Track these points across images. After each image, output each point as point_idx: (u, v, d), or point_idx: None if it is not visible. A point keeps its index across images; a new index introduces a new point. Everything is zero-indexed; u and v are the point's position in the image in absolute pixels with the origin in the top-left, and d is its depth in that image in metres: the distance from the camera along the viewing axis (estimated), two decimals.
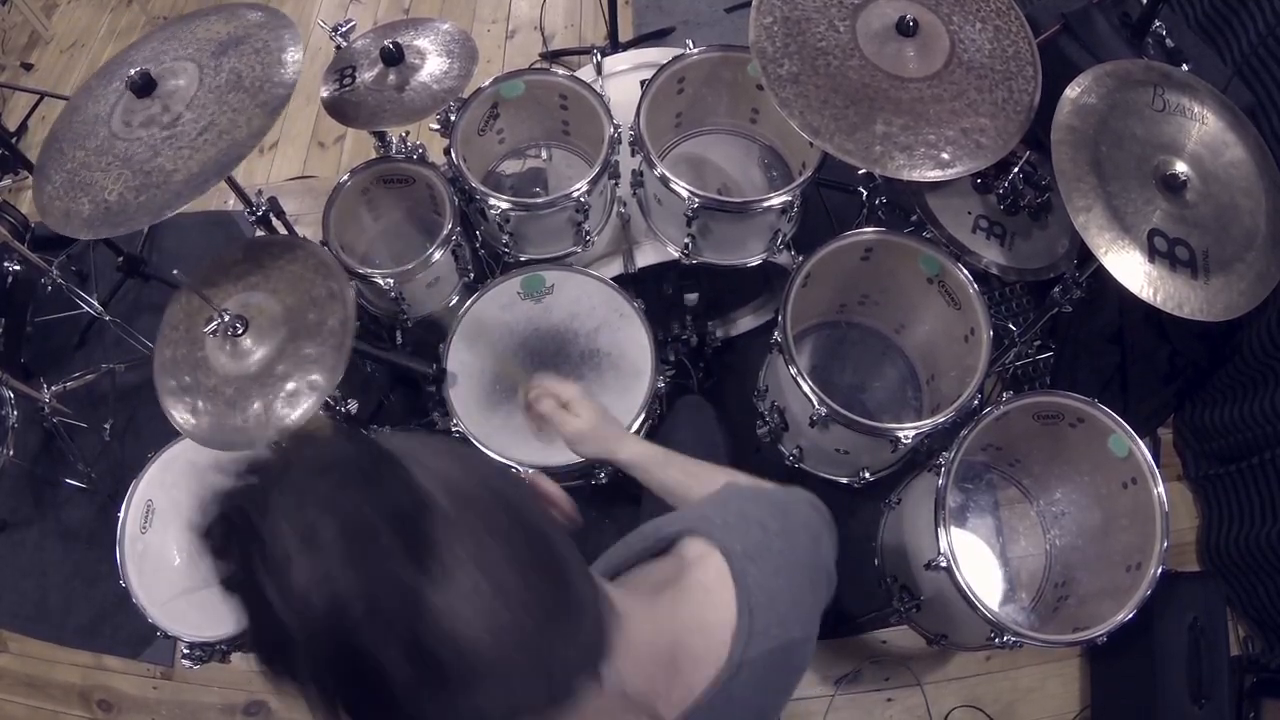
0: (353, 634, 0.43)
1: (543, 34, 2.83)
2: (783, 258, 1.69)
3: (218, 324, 1.30)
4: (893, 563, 1.61)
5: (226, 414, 1.29)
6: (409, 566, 0.44)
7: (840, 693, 1.82)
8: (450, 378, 1.47)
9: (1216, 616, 1.67)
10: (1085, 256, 1.32)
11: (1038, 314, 1.60)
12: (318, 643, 0.44)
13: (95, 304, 2.07)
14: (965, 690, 1.83)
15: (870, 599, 1.71)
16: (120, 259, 1.93)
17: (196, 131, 1.26)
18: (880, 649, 1.86)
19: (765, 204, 1.49)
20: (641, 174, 1.62)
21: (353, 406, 1.59)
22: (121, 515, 1.48)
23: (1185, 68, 1.40)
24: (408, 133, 1.82)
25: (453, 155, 1.59)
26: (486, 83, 1.67)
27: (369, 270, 1.59)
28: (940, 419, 1.40)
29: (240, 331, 1.31)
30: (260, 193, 1.65)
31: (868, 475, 1.61)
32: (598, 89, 1.68)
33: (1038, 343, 1.93)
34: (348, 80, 1.60)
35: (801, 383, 1.44)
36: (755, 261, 1.67)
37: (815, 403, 1.42)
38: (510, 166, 1.84)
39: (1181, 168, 1.22)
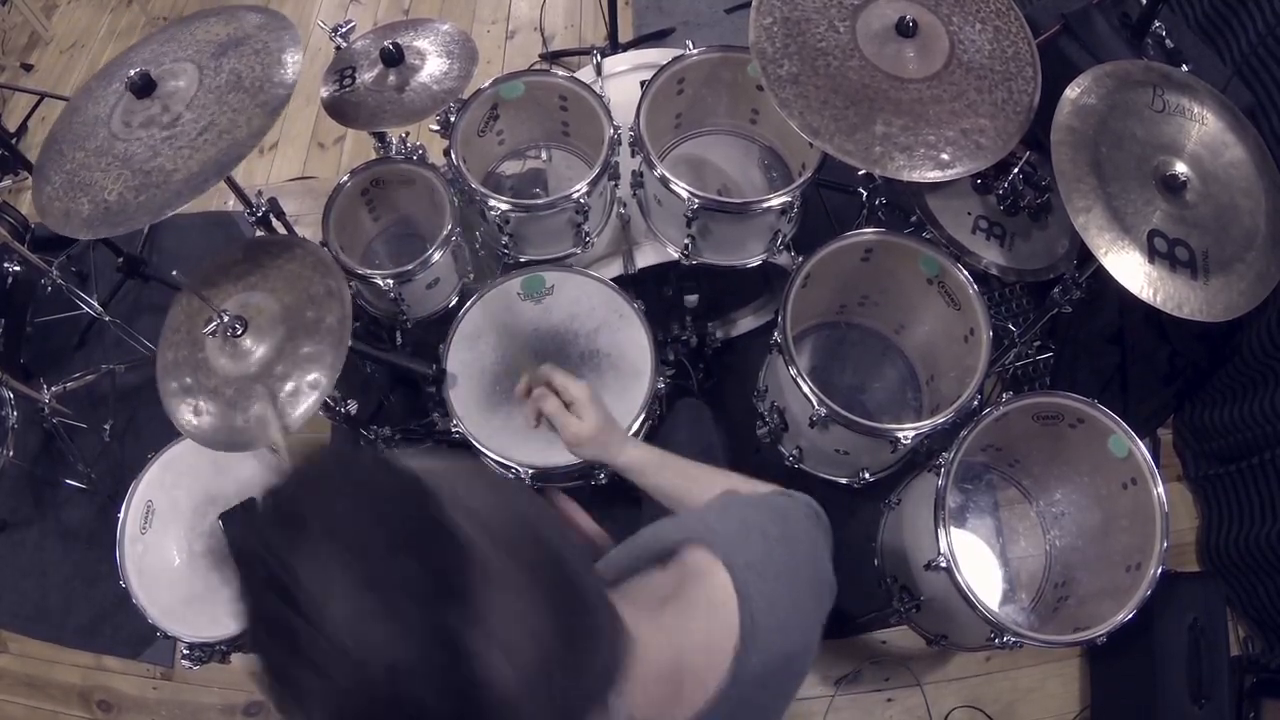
0: (389, 683, 0.43)
1: (542, 35, 2.83)
2: (783, 258, 1.69)
3: (217, 324, 1.31)
4: (893, 563, 1.61)
5: (228, 414, 1.29)
6: (448, 615, 0.44)
7: (840, 693, 1.82)
8: (450, 378, 1.47)
9: (1216, 616, 1.67)
10: (1085, 257, 1.32)
11: (1038, 314, 1.60)
12: (351, 691, 0.43)
13: (95, 304, 2.07)
14: (965, 690, 1.83)
15: (870, 599, 1.71)
16: (120, 259, 1.93)
17: (196, 131, 1.26)
18: (880, 649, 1.86)
19: (765, 205, 1.49)
20: (641, 175, 1.62)
21: (353, 407, 1.59)
22: (121, 515, 1.48)
23: (1185, 68, 1.40)
24: (407, 134, 1.82)
25: (452, 156, 1.59)
26: (486, 84, 1.67)
27: (368, 271, 1.59)
28: (940, 419, 1.40)
29: (240, 332, 1.31)
30: (260, 193, 1.65)
31: (868, 475, 1.61)
32: (597, 90, 1.67)
33: (1038, 343, 1.93)
34: (348, 81, 1.60)
35: (801, 383, 1.44)
36: (755, 262, 1.67)
37: (815, 403, 1.42)
38: (510, 167, 1.84)
39: (1181, 168, 1.22)
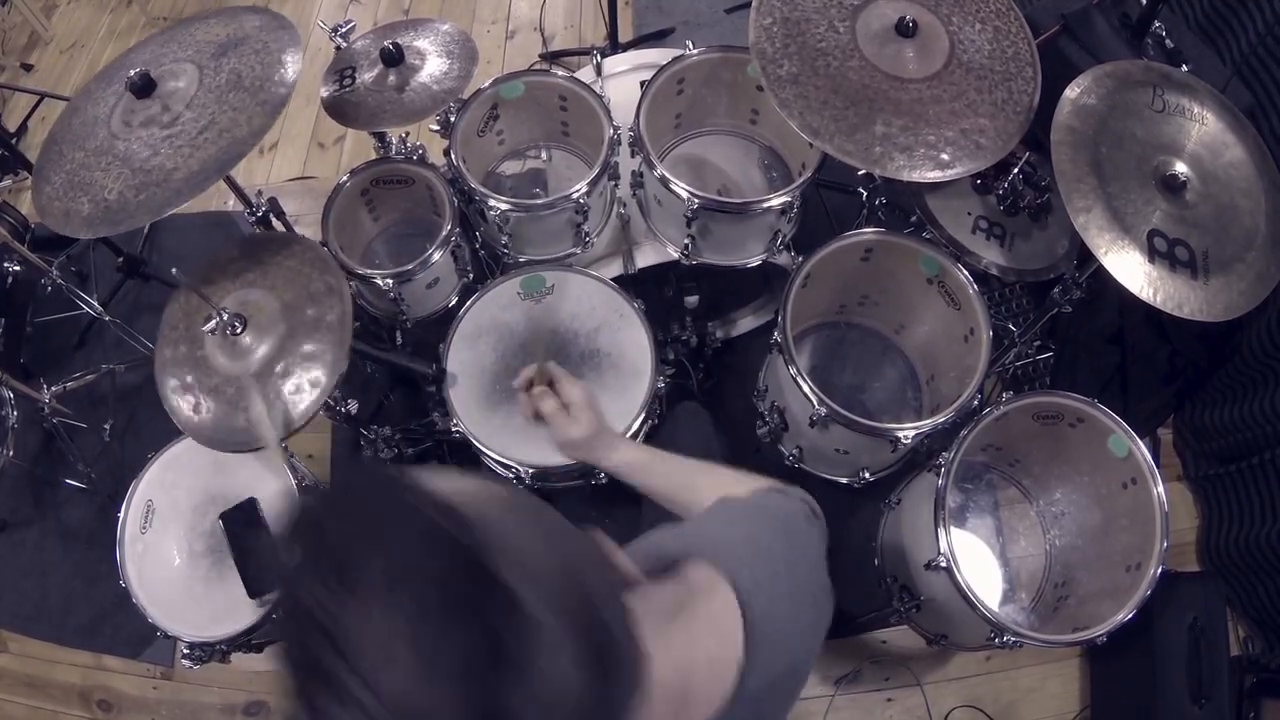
0: None
1: (542, 35, 2.83)
2: (782, 258, 1.69)
3: (216, 322, 1.30)
4: (893, 563, 1.61)
5: (228, 414, 1.29)
6: (501, 684, 0.44)
7: (840, 693, 1.82)
8: (450, 378, 1.47)
9: (1216, 616, 1.67)
10: (1085, 257, 1.32)
11: (1038, 314, 1.60)
12: None
13: (95, 304, 2.07)
14: (965, 690, 1.83)
15: (870, 599, 1.71)
16: (120, 259, 1.93)
17: (197, 130, 1.26)
18: (880, 649, 1.86)
19: (765, 205, 1.49)
20: (641, 175, 1.62)
21: (353, 407, 1.59)
22: (121, 515, 1.48)
23: (1185, 68, 1.40)
24: (407, 134, 1.82)
25: (452, 156, 1.59)
26: (486, 84, 1.67)
27: (368, 271, 1.59)
28: (940, 419, 1.41)
29: (239, 330, 1.31)
30: (260, 193, 1.65)
31: (868, 475, 1.61)
32: (597, 90, 1.68)
33: (1038, 343, 1.93)
34: (348, 81, 1.60)
35: (801, 383, 1.44)
36: (755, 262, 1.67)
37: (815, 403, 1.42)
38: (510, 167, 1.84)
39: (1181, 168, 1.22)
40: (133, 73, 1.30)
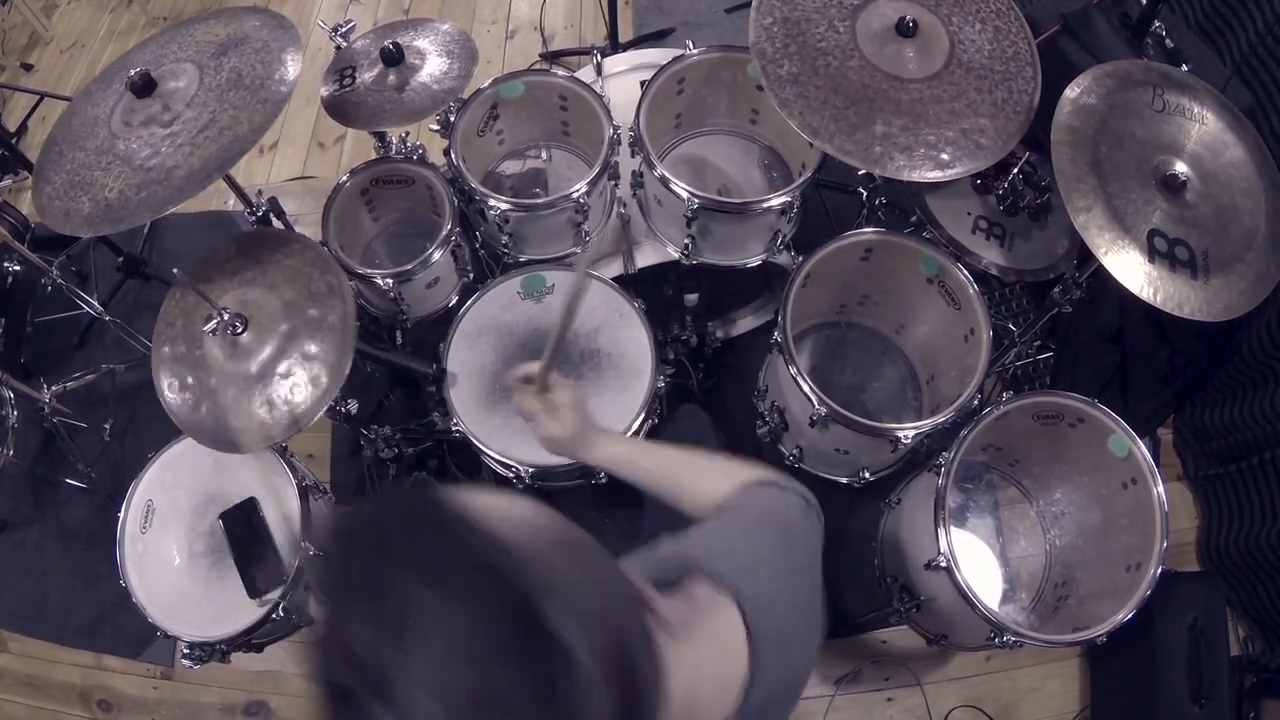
0: None
1: (543, 34, 2.83)
2: (783, 258, 1.69)
3: (217, 322, 1.30)
4: (893, 563, 1.61)
5: (229, 414, 1.29)
6: (536, 718, 0.44)
7: (840, 693, 1.82)
8: (450, 377, 1.47)
9: (1216, 616, 1.67)
10: (1085, 257, 1.32)
11: (1038, 314, 1.60)
12: None
13: (95, 304, 2.07)
14: (965, 690, 1.83)
15: (870, 599, 1.71)
16: (120, 259, 1.93)
17: (198, 128, 1.26)
18: (880, 649, 1.86)
19: (765, 205, 1.49)
20: (641, 175, 1.62)
21: (353, 406, 1.59)
22: (121, 515, 1.48)
23: (1185, 68, 1.40)
24: (407, 133, 1.82)
25: (452, 156, 1.59)
26: (486, 83, 1.67)
27: (368, 270, 1.59)
28: (940, 419, 1.41)
29: (240, 330, 1.31)
30: (260, 193, 1.65)
31: (868, 475, 1.61)
32: (597, 90, 1.68)
33: (1038, 343, 1.93)
34: (348, 81, 1.60)
35: (801, 383, 1.44)
36: (755, 262, 1.67)
37: (815, 403, 1.42)
38: (510, 167, 1.84)
39: (1181, 168, 1.22)
40: (133, 72, 1.30)
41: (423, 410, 1.90)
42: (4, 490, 2.13)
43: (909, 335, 1.75)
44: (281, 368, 1.30)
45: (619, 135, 1.59)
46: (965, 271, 1.49)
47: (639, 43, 2.66)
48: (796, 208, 1.58)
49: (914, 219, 1.68)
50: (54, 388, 1.99)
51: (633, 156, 1.56)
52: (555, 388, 1.05)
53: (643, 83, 1.59)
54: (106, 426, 2.12)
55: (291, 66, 1.31)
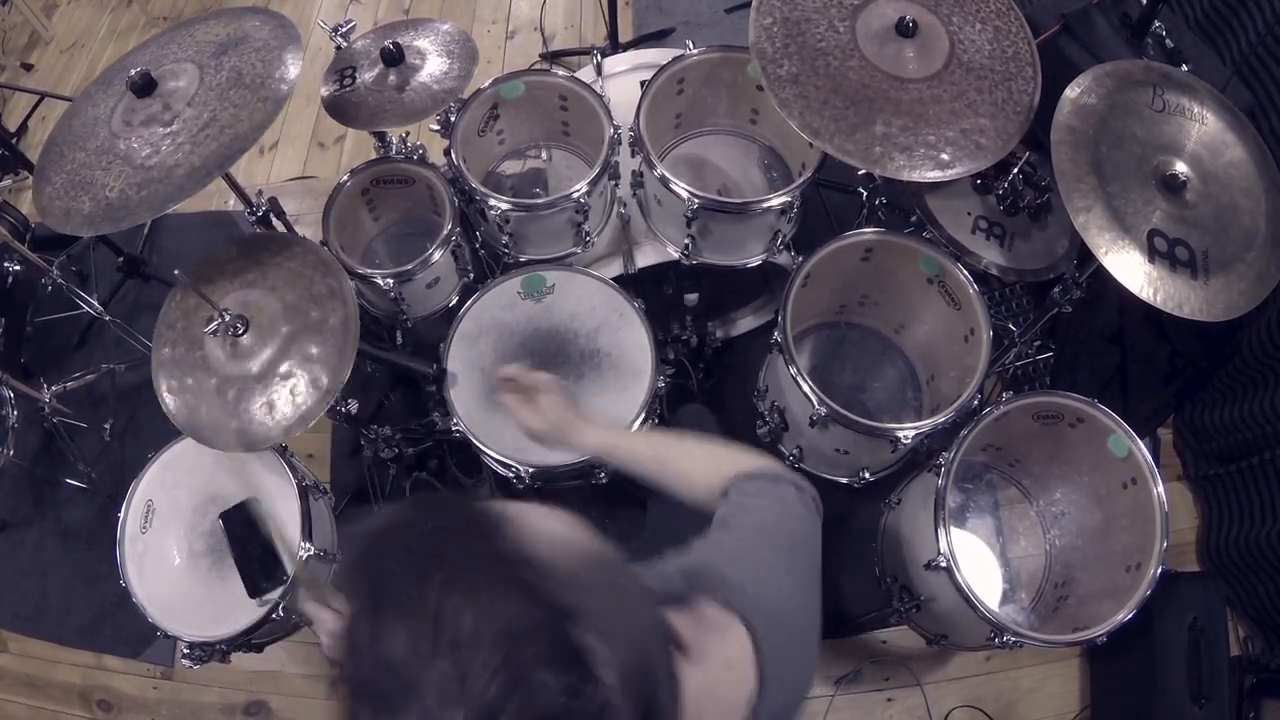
0: None
1: (543, 35, 2.83)
2: (783, 258, 1.69)
3: (218, 324, 1.30)
4: (893, 563, 1.61)
5: (228, 414, 1.29)
6: None
7: (840, 693, 1.82)
8: (450, 378, 1.47)
9: (1216, 616, 1.67)
10: (1085, 257, 1.32)
11: (1038, 314, 1.60)
12: None
13: (95, 304, 2.07)
14: (965, 690, 1.83)
15: (870, 599, 1.71)
16: (120, 259, 1.93)
17: (198, 127, 1.26)
18: (880, 649, 1.86)
19: (765, 205, 1.49)
20: (641, 175, 1.62)
21: (353, 406, 1.59)
22: (121, 515, 1.48)
23: (1185, 68, 1.40)
24: (408, 133, 1.82)
25: (453, 156, 1.59)
26: (486, 83, 1.67)
27: (369, 270, 1.59)
28: (940, 419, 1.41)
29: (241, 331, 1.31)
30: (260, 193, 1.65)
31: (868, 475, 1.61)
32: (598, 90, 1.68)
33: (1038, 343, 1.93)
34: (348, 81, 1.60)
35: (801, 383, 1.44)
36: (755, 262, 1.67)
37: (815, 403, 1.42)
38: (510, 167, 1.84)
39: (1181, 168, 1.22)
40: (133, 72, 1.30)
41: (423, 410, 1.90)
42: (4, 490, 2.13)
43: (909, 335, 1.75)
44: (282, 369, 1.30)
45: (619, 135, 1.59)
46: (965, 271, 1.49)
47: (639, 43, 2.67)
48: (796, 208, 1.58)
49: (914, 219, 1.68)
50: (54, 388, 1.99)
51: (633, 156, 1.56)
52: (533, 383, 1.06)
53: (643, 83, 1.59)
54: (106, 426, 2.12)
55: (292, 65, 1.31)
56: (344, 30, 1.65)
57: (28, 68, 2.97)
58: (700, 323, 1.90)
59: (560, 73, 1.77)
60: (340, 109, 1.59)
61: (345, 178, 1.70)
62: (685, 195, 1.48)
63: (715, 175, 1.79)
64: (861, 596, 1.75)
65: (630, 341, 1.51)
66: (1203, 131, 1.26)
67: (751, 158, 1.80)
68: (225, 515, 1.49)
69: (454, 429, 1.45)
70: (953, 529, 1.34)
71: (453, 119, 1.65)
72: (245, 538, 1.47)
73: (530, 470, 1.42)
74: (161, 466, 1.53)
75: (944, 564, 1.31)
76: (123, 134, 1.30)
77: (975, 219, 1.68)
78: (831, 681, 1.83)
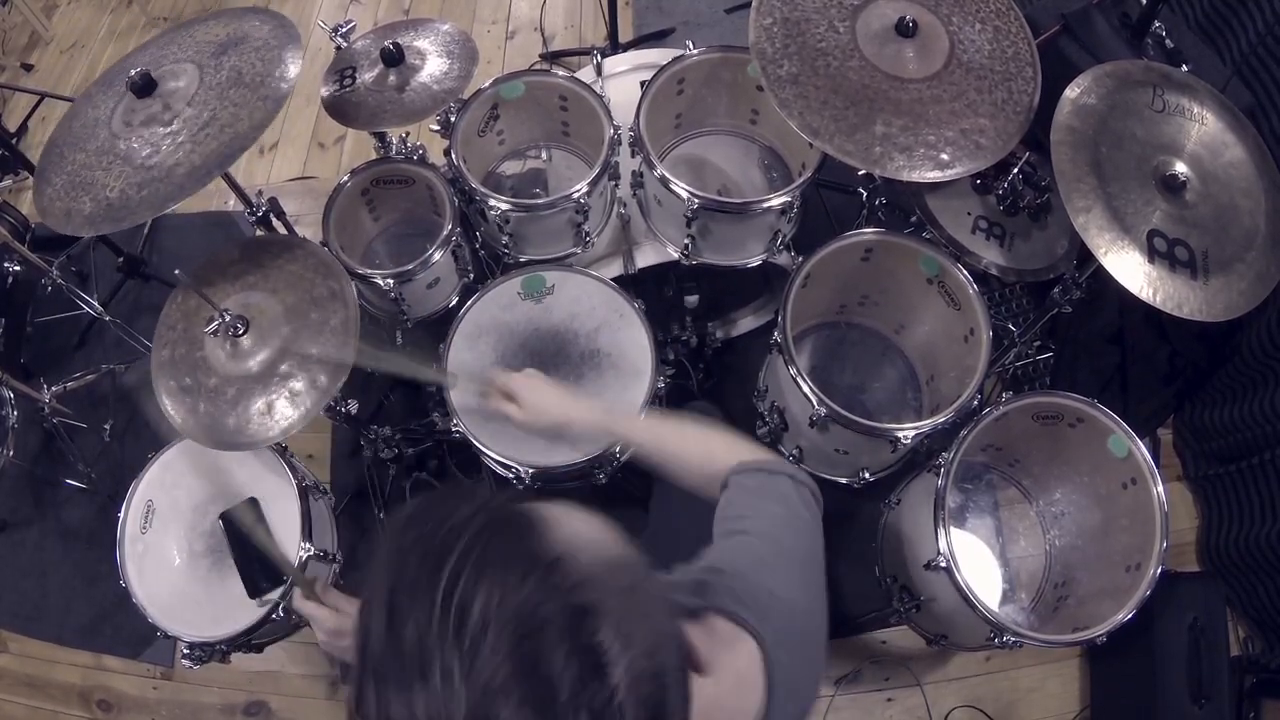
0: None
1: (543, 35, 2.83)
2: (782, 258, 1.69)
3: (219, 324, 1.30)
4: (893, 563, 1.61)
5: (228, 414, 1.29)
6: None
7: (840, 693, 1.82)
8: (451, 378, 1.47)
9: (1216, 616, 1.67)
10: (1085, 257, 1.32)
11: (1037, 314, 1.60)
12: None
13: (95, 304, 2.07)
14: (965, 690, 1.83)
15: (870, 599, 1.71)
16: (120, 259, 1.94)
17: (198, 126, 1.26)
18: (880, 649, 1.86)
19: (765, 205, 1.49)
20: (641, 175, 1.62)
21: (353, 406, 1.59)
22: (121, 515, 1.48)
23: (1185, 68, 1.40)
24: (408, 134, 1.82)
25: (453, 156, 1.59)
26: (486, 84, 1.67)
27: (369, 271, 1.59)
28: (940, 419, 1.41)
29: (242, 332, 1.31)
30: (260, 193, 1.65)
31: (868, 475, 1.61)
32: (598, 90, 1.68)
33: (1037, 343, 1.93)
34: (348, 81, 1.60)
35: (801, 383, 1.44)
36: (755, 262, 1.67)
37: (815, 403, 1.42)
38: (510, 167, 1.84)
39: (1181, 168, 1.22)
40: (133, 72, 1.30)
41: (423, 410, 1.91)
42: (4, 490, 2.13)
43: (909, 335, 1.75)
44: (282, 369, 1.30)
45: (619, 135, 1.59)
46: (965, 271, 1.49)
47: (639, 43, 2.67)
48: (796, 208, 1.58)
49: (914, 219, 1.68)
50: (54, 388, 1.99)
51: (633, 156, 1.56)
52: (506, 383, 1.09)
53: (643, 83, 1.59)
54: (106, 427, 2.12)
55: (292, 64, 1.31)
56: (344, 30, 1.65)
57: (28, 68, 2.98)
58: (700, 323, 1.90)
59: (560, 73, 1.77)
60: (340, 109, 1.59)
61: (345, 178, 1.70)
62: (685, 195, 1.48)
63: (715, 175, 1.79)
64: (861, 596, 1.75)
65: (630, 342, 1.51)
66: (1203, 132, 1.26)
67: (751, 158, 1.80)
68: (225, 515, 1.50)
69: (454, 429, 1.45)
70: (952, 529, 1.34)
71: (453, 119, 1.65)
72: (245, 538, 1.47)
73: (530, 471, 1.42)
74: (161, 466, 1.53)
75: (944, 564, 1.31)
76: (123, 134, 1.30)
77: (975, 219, 1.68)
78: (831, 681, 1.83)
